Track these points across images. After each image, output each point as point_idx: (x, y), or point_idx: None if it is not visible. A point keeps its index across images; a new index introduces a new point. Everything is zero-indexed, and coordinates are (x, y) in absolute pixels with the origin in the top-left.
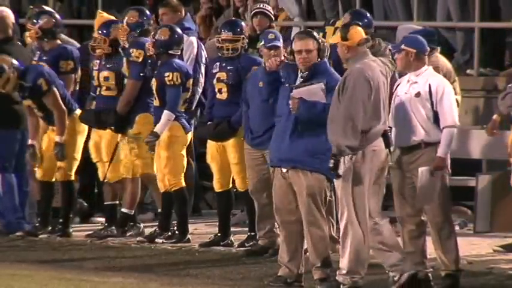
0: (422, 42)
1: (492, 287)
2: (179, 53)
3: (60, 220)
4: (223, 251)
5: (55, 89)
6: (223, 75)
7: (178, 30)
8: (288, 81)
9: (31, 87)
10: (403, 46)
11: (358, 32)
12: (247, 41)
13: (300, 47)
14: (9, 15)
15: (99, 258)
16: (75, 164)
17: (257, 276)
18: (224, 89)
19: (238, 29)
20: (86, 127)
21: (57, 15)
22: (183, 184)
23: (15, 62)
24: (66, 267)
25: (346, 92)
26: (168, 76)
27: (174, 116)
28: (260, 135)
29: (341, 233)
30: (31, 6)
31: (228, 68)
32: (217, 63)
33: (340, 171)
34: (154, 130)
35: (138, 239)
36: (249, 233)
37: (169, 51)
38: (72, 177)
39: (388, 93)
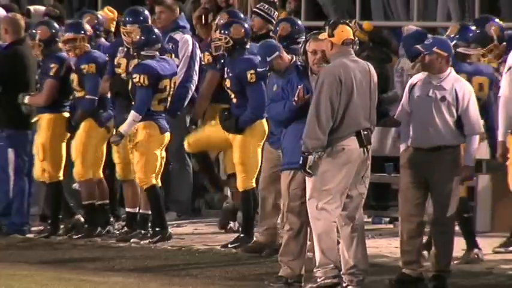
0: (451, 46)
1: (492, 287)
2: (154, 54)
3: (49, 221)
4: (223, 251)
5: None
6: None
7: (154, 30)
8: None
9: None
10: (435, 49)
11: (345, 31)
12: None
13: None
14: (21, 17)
15: (99, 258)
16: (61, 165)
17: (257, 276)
18: None
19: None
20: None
21: None
22: (154, 182)
23: None
24: (66, 267)
25: (316, 90)
26: (135, 78)
27: (141, 117)
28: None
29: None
30: (30, 6)
31: None
32: None
33: (308, 168)
34: (119, 130)
35: (133, 240)
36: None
37: (142, 52)
38: (61, 178)
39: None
